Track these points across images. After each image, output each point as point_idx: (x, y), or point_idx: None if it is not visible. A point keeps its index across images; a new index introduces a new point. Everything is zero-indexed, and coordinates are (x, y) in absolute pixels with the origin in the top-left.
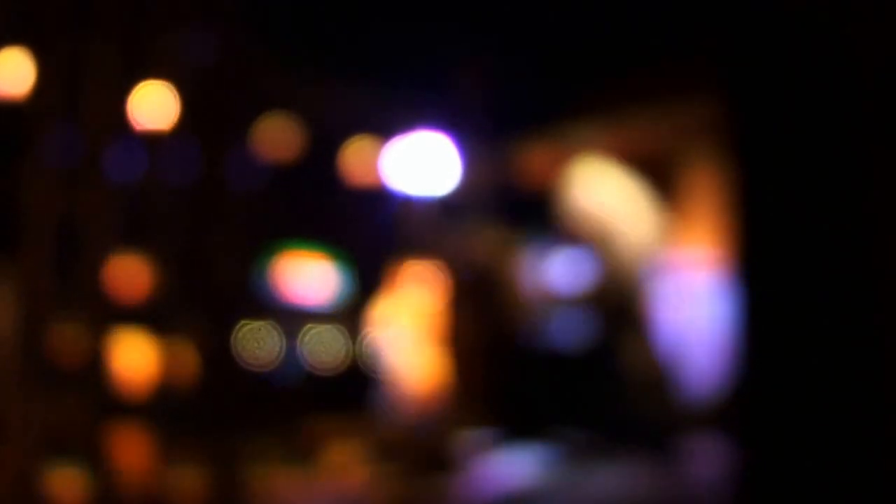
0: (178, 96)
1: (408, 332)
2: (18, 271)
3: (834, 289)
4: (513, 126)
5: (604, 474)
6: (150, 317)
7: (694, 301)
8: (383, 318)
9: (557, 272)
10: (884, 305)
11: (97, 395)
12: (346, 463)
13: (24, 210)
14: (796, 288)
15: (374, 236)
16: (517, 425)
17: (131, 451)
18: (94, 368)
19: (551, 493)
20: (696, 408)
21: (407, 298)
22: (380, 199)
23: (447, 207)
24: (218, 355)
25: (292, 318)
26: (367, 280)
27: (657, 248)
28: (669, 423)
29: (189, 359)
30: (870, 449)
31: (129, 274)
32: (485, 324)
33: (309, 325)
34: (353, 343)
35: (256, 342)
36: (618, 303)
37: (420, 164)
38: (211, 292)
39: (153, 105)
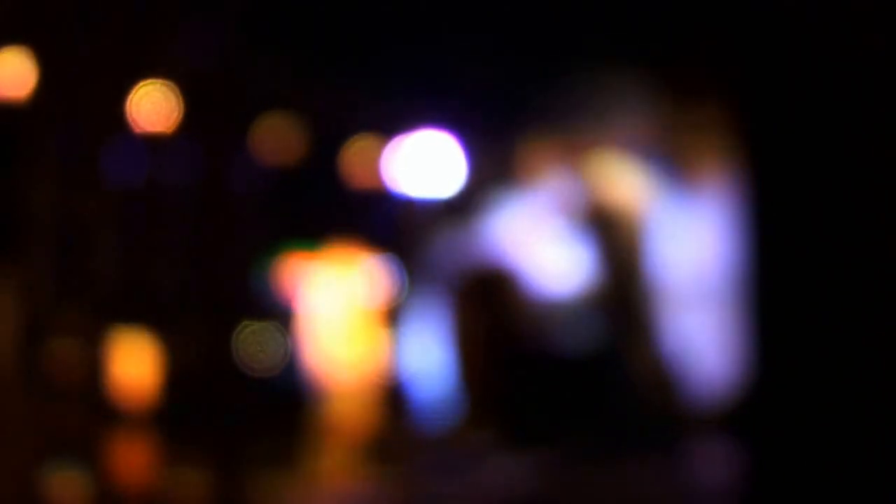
0: (178, 97)
1: (336, 320)
2: (19, 274)
3: (846, 289)
4: (518, 121)
5: (609, 477)
6: (150, 319)
7: (701, 297)
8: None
9: (563, 271)
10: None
11: (97, 399)
12: (347, 466)
13: (24, 212)
14: (808, 288)
15: (378, 237)
16: (522, 428)
17: (131, 454)
18: (95, 371)
19: (557, 496)
20: (703, 409)
21: (342, 282)
22: (383, 200)
23: (451, 207)
24: (219, 358)
25: (294, 320)
26: None
27: (665, 244)
28: (676, 425)
29: (189, 362)
30: (878, 451)
31: (130, 276)
32: (489, 326)
33: None
34: None
35: (258, 344)
36: (624, 302)
37: (424, 164)
38: (212, 294)
39: (154, 106)
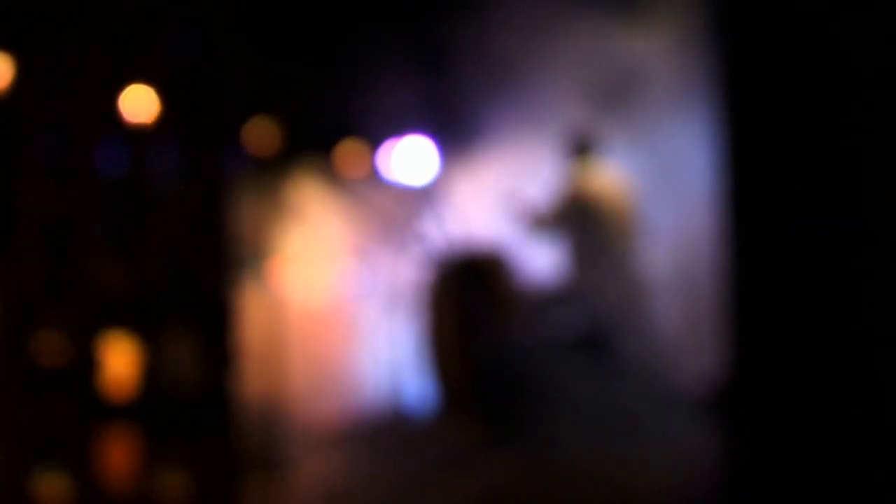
0: (166, 95)
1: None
2: (5, 271)
3: (830, 276)
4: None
5: (595, 466)
6: (137, 317)
7: (684, 284)
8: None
9: (545, 261)
10: (884, 294)
11: (84, 397)
12: (328, 464)
13: (11, 209)
14: (789, 274)
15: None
16: (504, 421)
17: (118, 453)
18: (82, 370)
19: (543, 488)
20: (689, 396)
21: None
22: (372, 196)
23: (429, 197)
24: (206, 356)
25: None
26: None
27: (647, 231)
28: (663, 412)
29: (177, 360)
30: (868, 438)
31: (117, 274)
32: (470, 317)
33: None
34: None
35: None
36: (610, 290)
37: (408, 159)
38: (201, 294)
39: (142, 103)
